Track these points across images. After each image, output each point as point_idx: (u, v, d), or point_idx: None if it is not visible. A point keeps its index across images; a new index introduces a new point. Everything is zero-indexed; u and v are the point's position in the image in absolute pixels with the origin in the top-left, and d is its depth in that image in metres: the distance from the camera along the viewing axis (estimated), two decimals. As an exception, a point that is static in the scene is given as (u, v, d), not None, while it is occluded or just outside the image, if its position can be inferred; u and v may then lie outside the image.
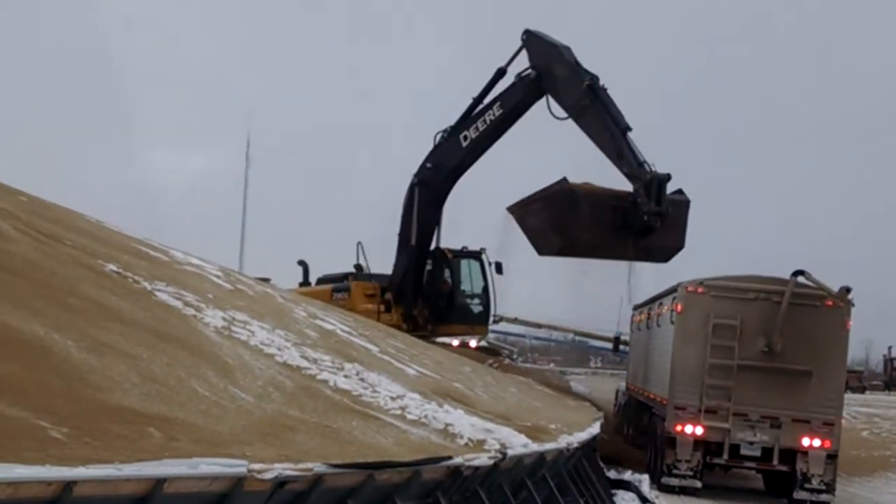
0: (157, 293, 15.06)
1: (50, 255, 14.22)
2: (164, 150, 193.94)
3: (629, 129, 30.52)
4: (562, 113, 31.67)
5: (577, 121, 31.37)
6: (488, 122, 33.43)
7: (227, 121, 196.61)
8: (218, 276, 19.83)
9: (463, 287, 36.84)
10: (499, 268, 36.60)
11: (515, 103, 33.09)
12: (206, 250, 23.77)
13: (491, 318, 38.14)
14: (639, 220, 29.03)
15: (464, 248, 36.74)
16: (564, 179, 30.35)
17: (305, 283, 37.36)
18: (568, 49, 32.16)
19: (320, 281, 37.60)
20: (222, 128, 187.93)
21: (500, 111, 33.24)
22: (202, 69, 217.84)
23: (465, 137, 33.86)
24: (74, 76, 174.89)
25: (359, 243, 36.44)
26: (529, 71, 32.56)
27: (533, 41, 32.70)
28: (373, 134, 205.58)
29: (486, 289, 36.85)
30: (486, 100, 33.77)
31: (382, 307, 35.11)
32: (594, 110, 30.87)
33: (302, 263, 38.08)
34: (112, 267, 15.23)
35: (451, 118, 34.44)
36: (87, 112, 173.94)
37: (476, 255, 36.86)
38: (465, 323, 36.98)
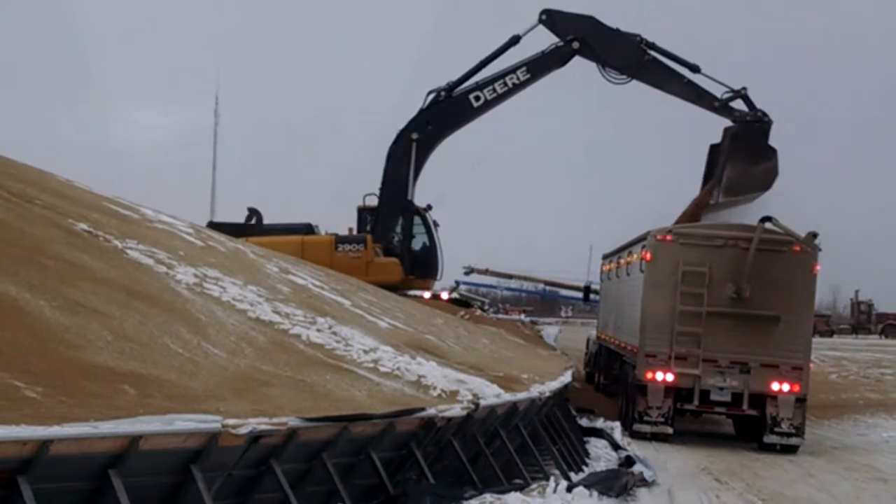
0: (128, 251, 15.07)
1: (20, 215, 14.21)
2: (133, 109, 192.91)
3: (698, 68, 34.27)
4: (611, 76, 35.05)
5: (637, 77, 34.72)
6: (509, 85, 35.62)
7: (196, 78, 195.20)
8: (189, 234, 19.83)
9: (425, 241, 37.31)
10: (435, 225, 37.53)
11: (545, 70, 35.66)
12: (177, 208, 23.74)
13: (440, 272, 38.63)
14: (760, 129, 33.29)
15: (429, 205, 37.05)
16: (725, 129, 33.84)
17: (260, 230, 36.44)
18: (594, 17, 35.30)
19: (266, 231, 36.46)
20: (191, 85, 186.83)
21: (527, 76, 35.57)
22: (170, 26, 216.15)
23: (478, 98, 35.76)
24: (42, 35, 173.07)
25: (367, 196, 36.61)
26: (564, 43, 35.10)
27: (557, 17, 35.38)
28: (342, 90, 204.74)
29: (435, 243, 37.31)
30: (495, 64, 35.75)
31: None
32: (656, 63, 34.56)
33: (254, 211, 36.94)
34: (83, 226, 15.23)
35: (425, 78, 35.57)
36: (54, 71, 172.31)
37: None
38: (434, 277, 37.45)
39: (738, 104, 34.15)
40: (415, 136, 35.74)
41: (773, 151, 33.20)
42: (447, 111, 35.98)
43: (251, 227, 35.48)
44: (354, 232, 36.44)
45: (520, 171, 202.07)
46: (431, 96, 36.16)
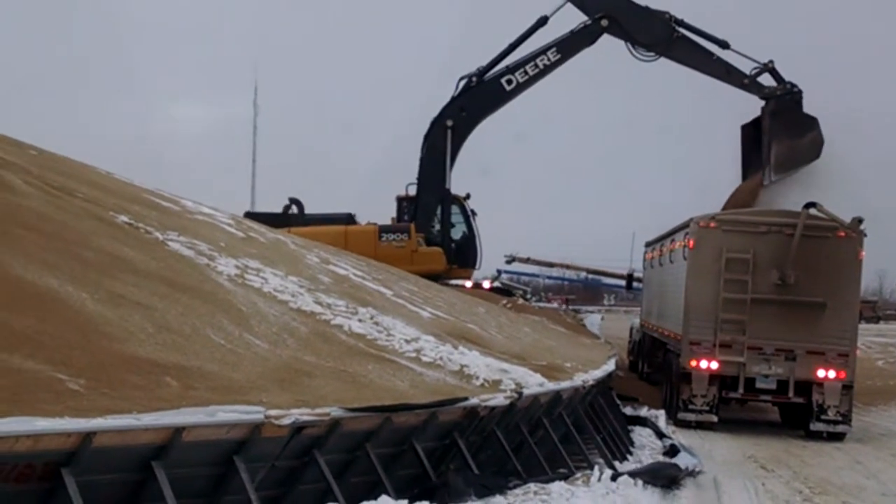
0: (169, 243, 15.09)
1: (62, 208, 14.25)
2: (172, 102, 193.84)
3: (727, 44, 34.13)
4: (640, 54, 35.08)
5: (667, 55, 34.68)
6: (541, 66, 35.59)
7: (235, 69, 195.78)
8: (230, 225, 19.85)
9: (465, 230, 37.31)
10: (473, 213, 37.43)
11: (575, 49, 35.59)
12: (218, 200, 23.79)
13: (480, 262, 38.67)
14: (793, 101, 33.46)
15: (468, 194, 37.05)
16: (763, 108, 33.97)
17: (301, 221, 36.52)
18: None
19: (307, 221, 36.48)
20: (230, 77, 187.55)
21: (558, 56, 35.54)
22: (209, 17, 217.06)
23: (510, 81, 35.76)
24: (81, 28, 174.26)
25: (409, 185, 36.66)
26: (592, 21, 35.12)
27: None
28: (380, 79, 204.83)
29: (474, 232, 37.30)
30: (524, 46, 35.75)
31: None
32: (685, 40, 34.51)
33: (296, 202, 37.11)
34: (124, 218, 15.26)
35: (459, 64, 35.65)
36: (94, 64, 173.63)
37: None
38: (473, 266, 37.46)
39: (767, 79, 34.13)
40: (449, 123, 35.77)
41: (814, 120, 33.26)
42: (480, 96, 36.00)
43: (289, 218, 35.56)
44: (395, 222, 36.48)
45: (561, 158, 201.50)
46: (463, 82, 36.20)
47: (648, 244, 36.26)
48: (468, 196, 37.10)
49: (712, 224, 25.70)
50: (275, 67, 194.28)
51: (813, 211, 24.84)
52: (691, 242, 25.82)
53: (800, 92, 33.66)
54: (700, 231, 25.70)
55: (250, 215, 33.65)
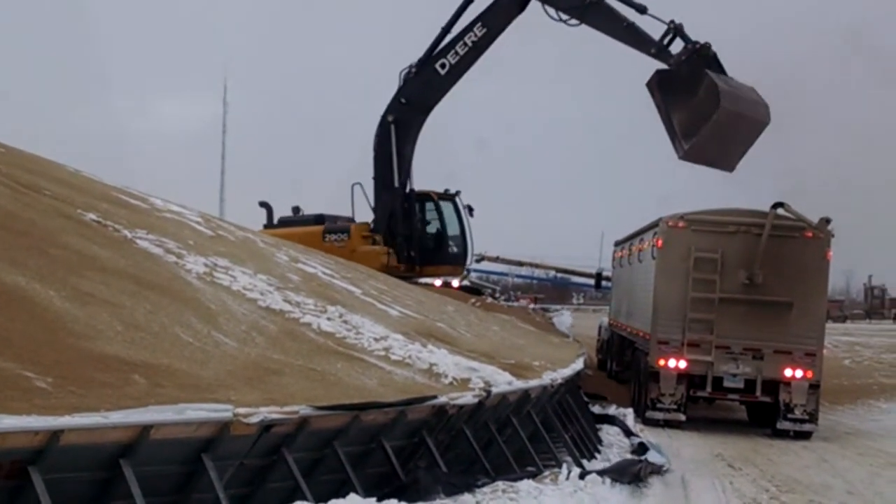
0: (137, 241, 15.04)
1: (29, 205, 14.19)
2: (141, 98, 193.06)
3: (645, 8, 31.38)
4: (557, 17, 32.69)
5: (583, 20, 32.37)
6: (469, 44, 34.20)
7: (204, 67, 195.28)
8: (198, 223, 19.79)
9: (449, 228, 37.03)
10: (470, 210, 37.00)
11: (501, 20, 33.96)
12: (187, 198, 23.69)
13: (470, 259, 38.30)
14: (698, 61, 29.80)
15: (446, 190, 36.88)
16: (647, 84, 31.22)
17: (270, 224, 36.68)
18: None
19: (282, 223, 36.68)
20: (199, 74, 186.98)
21: (484, 30, 33.99)
22: (178, 13, 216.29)
23: (444, 65, 34.60)
24: (47, 23, 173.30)
25: (355, 185, 36.37)
26: None
27: None
28: (350, 75, 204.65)
29: (463, 231, 37.05)
30: (457, 26, 34.49)
31: (388, 249, 35.19)
32: (600, 5, 32.04)
33: (265, 205, 37.05)
34: (92, 216, 15.21)
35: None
36: (61, 60, 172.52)
37: (452, 198, 37.04)
38: (450, 264, 37.25)
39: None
40: (391, 118, 35.11)
41: (702, 72, 29.71)
42: (419, 86, 35.05)
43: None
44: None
45: (530, 157, 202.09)
46: (403, 74, 35.41)
47: (618, 243, 36.37)
48: (457, 193, 36.78)
49: (681, 223, 25.81)
50: (247, 65, 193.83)
51: (781, 211, 24.99)
52: (660, 242, 25.92)
53: (707, 46, 30.16)
54: (669, 230, 25.82)
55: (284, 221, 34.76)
